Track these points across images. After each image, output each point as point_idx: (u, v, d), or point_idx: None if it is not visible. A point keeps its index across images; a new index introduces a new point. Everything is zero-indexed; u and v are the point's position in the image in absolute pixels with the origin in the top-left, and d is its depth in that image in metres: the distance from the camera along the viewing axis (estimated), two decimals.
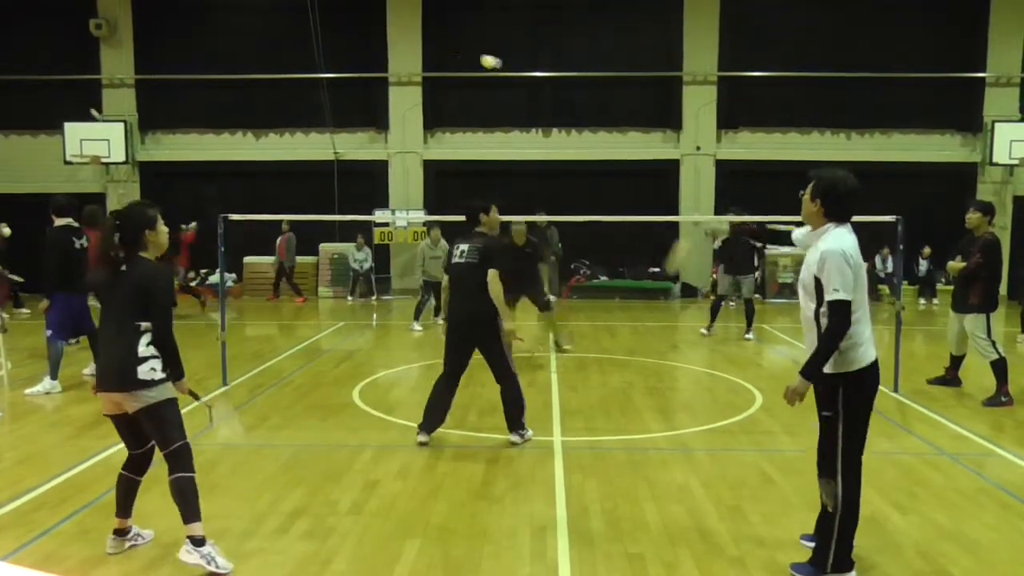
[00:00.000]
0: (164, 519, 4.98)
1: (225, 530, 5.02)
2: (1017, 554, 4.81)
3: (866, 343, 4.23)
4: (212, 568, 4.41)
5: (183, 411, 4.58)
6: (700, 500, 5.64)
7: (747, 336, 12.89)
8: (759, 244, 13.06)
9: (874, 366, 4.28)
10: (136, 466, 4.71)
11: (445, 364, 7.01)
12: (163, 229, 4.58)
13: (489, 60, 12.62)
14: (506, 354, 6.88)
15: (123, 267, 4.46)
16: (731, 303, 13.36)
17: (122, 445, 4.71)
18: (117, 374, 4.38)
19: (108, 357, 4.45)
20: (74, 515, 5.30)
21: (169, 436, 4.46)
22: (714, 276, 13.45)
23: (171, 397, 4.48)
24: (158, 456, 4.64)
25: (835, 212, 4.30)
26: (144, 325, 4.41)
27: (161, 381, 4.43)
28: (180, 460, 4.47)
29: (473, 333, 6.87)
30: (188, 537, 4.45)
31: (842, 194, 4.29)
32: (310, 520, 5.25)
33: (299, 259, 18.93)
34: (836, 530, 4.29)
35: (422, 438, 6.88)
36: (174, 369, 4.53)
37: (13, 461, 6.51)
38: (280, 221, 17.57)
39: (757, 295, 18.52)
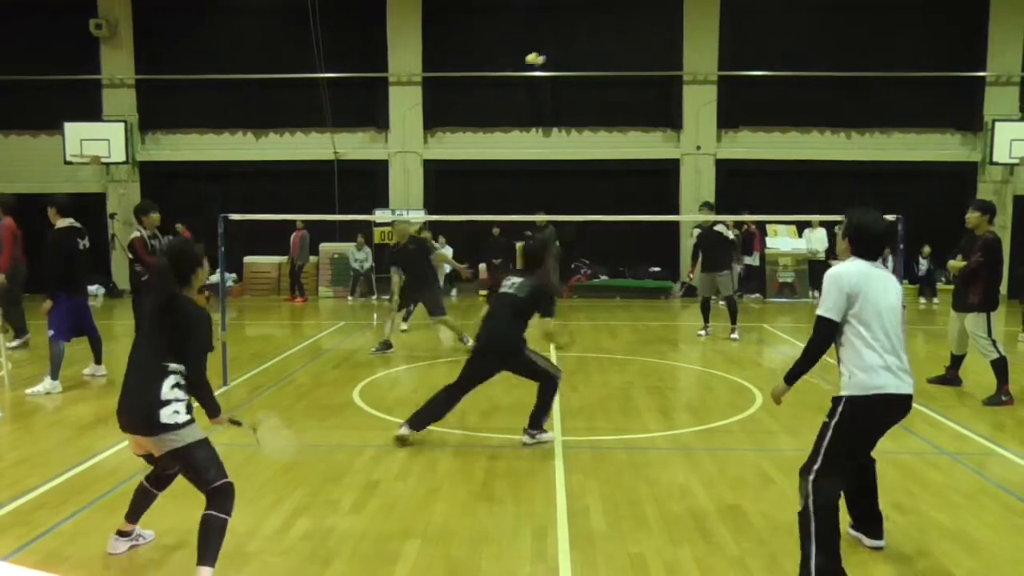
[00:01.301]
0: (165, 520, 4.99)
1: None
2: (1018, 554, 4.80)
3: (872, 372, 4.26)
4: None
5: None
6: (701, 500, 5.64)
7: (732, 336, 12.72)
8: (731, 235, 12.90)
9: (881, 400, 4.27)
10: (158, 482, 4.67)
11: (461, 380, 6.93)
12: (207, 267, 4.52)
13: (533, 57, 13.58)
14: (538, 361, 6.93)
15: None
16: (720, 302, 13.31)
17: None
18: (139, 418, 4.25)
19: (131, 398, 4.31)
20: (75, 515, 5.31)
21: (205, 476, 4.27)
22: (691, 276, 13.36)
23: (199, 439, 4.30)
24: None
25: (861, 251, 4.46)
26: (172, 367, 4.25)
27: (185, 424, 4.26)
28: (220, 499, 4.24)
29: (500, 363, 6.93)
30: None
31: (869, 238, 4.45)
32: (310, 520, 5.25)
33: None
34: (813, 537, 4.23)
35: (404, 431, 6.82)
36: (210, 408, 4.38)
37: (14, 461, 6.51)
38: (281, 221, 17.49)
39: (757, 294, 18.58)
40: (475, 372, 6.93)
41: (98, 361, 9.57)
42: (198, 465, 4.27)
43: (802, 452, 6.41)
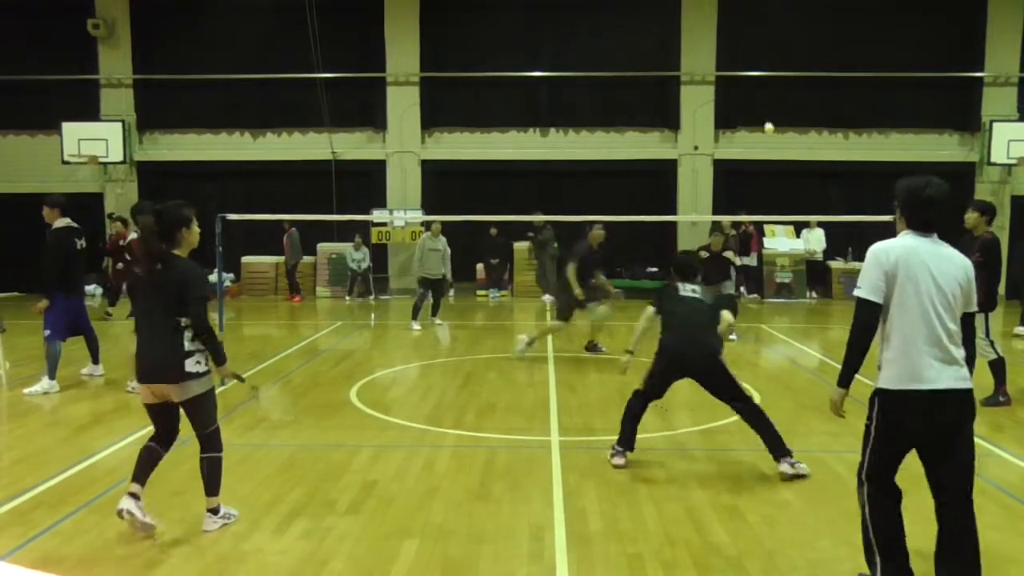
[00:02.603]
0: (163, 520, 4.98)
1: (223, 529, 5.02)
2: (1017, 554, 4.81)
3: (902, 365, 3.87)
4: (231, 521, 5.06)
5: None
6: (698, 500, 5.64)
7: (730, 337, 12.79)
8: (738, 262, 13.18)
9: (916, 396, 3.84)
10: (163, 441, 5.00)
11: (650, 389, 6.64)
12: (196, 228, 4.89)
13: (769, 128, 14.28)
14: (734, 379, 6.38)
15: (159, 265, 4.74)
16: None
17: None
18: (166, 369, 4.74)
19: (154, 352, 4.78)
20: (72, 514, 5.30)
21: (207, 421, 4.94)
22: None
23: (213, 387, 4.94)
24: (162, 466, 4.97)
25: (914, 221, 4.06)
26: (185, 321, 4.72)
27: (206, 373, 4.85)
28: (213, 441, 4.98)
29: (702, 370, 6.47)
30: (209, 510, 4.98)
31: (918, 203, 4.04)
32: (308, 520, 5.25)
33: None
34: (874, 547, 4.03)
35: (619, 460, 6.39)
36: (216, 355, 4.85)
37: (11, 460, 6.51)
38: (278, 221, 17.58)
39: (755, 295, 18.59)
40: (668, 379, 6.58)
41: (95, 361, 9.56)
42: (207, 411, 4.93)
43: (799, 452, 6.44)
